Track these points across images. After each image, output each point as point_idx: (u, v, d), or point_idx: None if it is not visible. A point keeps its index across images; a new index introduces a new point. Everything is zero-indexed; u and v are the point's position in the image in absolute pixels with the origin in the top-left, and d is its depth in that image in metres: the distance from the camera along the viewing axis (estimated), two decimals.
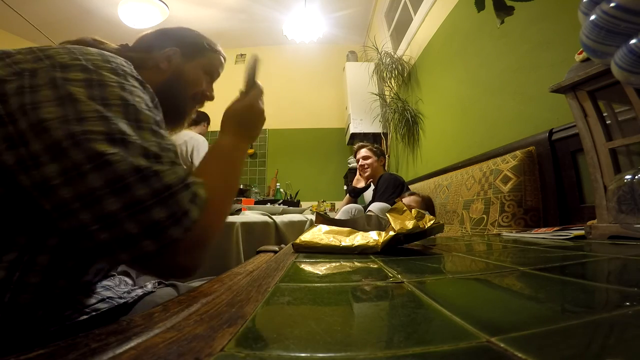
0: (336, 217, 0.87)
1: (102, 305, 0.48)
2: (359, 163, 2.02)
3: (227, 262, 1.15)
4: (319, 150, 3.95)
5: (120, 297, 0.51)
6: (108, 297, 0.49)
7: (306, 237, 0.54)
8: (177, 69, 0.56)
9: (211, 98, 0.64)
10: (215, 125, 2.90)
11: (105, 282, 0.53)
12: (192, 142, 2.15)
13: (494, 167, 1.16)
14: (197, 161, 2.08)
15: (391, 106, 2.70)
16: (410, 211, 0.51)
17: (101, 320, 0.47)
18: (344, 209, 1.78)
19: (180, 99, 0.57)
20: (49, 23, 3.37)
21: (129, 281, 0.62)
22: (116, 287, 0.55)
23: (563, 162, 0.99)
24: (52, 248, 0.33)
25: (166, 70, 0.55)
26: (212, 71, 0.63)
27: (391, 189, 1.68)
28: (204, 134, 2.35)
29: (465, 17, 1.72)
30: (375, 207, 1.55)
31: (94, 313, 0.46)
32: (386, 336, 0.14)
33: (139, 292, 0.55)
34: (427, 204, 1.57)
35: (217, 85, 0.63)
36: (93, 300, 0.47)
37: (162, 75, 0.54)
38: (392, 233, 0.48)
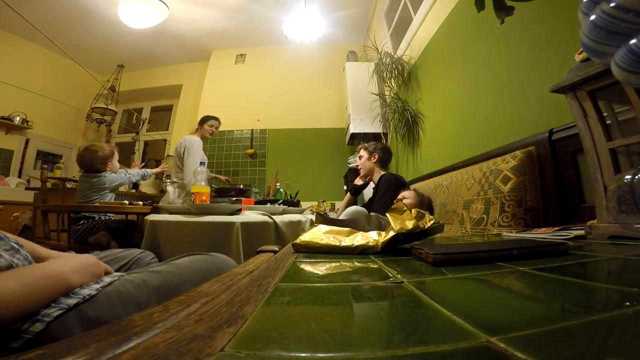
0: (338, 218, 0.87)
1: (54, 311, 0.45)
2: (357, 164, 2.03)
3: None
4: (319, 150, 3.96)
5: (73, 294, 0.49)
6: (54, 303, 0.47)
7: (306, 237, 0.54)
8: None
9: None
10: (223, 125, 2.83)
11: None
12: (185, 143, 2.18)
13: (494, 167, 1.16)
14: (187, 160, 2.10)
15: (391, 106, 2.70)
16: (411, 211, 0.51)
17: (60, 327, 0.44)
18: (346, 212, 1.77)
19: None
20: (49, 23, 3.37)
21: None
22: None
23: (563, 162, 0.99)
24: None
25: None
26: None
27: (392, 189, 1.67)
28: (206, 135, 2.35)
29: (465, 17, 1.72)
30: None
31: (46, 319, 0.44)
32: (386, 336, 0.14)
33: (91, 289, 0.52)
34: (426, 204, 1.56)
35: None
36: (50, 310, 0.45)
37: None
38: (392, 233, 0.48)
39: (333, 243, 0.51)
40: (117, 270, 0.74)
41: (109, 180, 1.88)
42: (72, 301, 0.48)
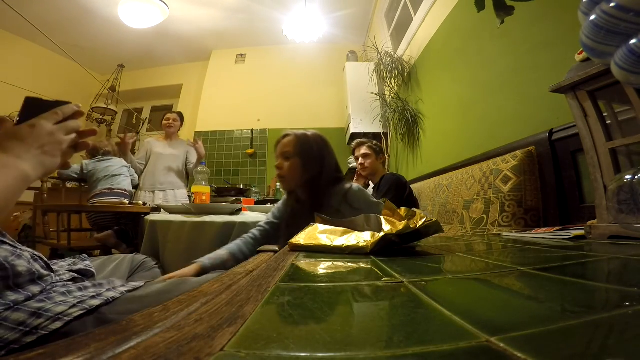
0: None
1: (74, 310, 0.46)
2: (359, 161, 1.93)
3: None
4: None
5: (95, 297, 0.50)
6: (78, 302, 0.48)
7: (301, 236, 0.55)
8: None
9: None
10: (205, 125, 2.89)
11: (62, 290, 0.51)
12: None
13: (494, 167, 1.16)
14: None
15: (391, 106, 2.70)
16: (399, 209, 0.51)
17: (79, 327, 0.45)
18: None
19: None
20: (49, 23, 3.37)
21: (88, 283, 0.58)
22: (79, 291, 0.52)
23: (563, 162, 0.99)
24: None
25: None
26: None
27: (394, 190, 1.66)
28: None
29: (465, 17, 1.72)
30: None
31: (67, 319, 0.45)
32: (386, 336, 0.14)
33: (116, 292, 0.53)
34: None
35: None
36: (65, 308, 0.46)
37: None
38: (382, 234, 0.47)
39: (324, 242, 0.51)
40: (112, 275, 0.77)
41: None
42: (95, 302, 0.49)
